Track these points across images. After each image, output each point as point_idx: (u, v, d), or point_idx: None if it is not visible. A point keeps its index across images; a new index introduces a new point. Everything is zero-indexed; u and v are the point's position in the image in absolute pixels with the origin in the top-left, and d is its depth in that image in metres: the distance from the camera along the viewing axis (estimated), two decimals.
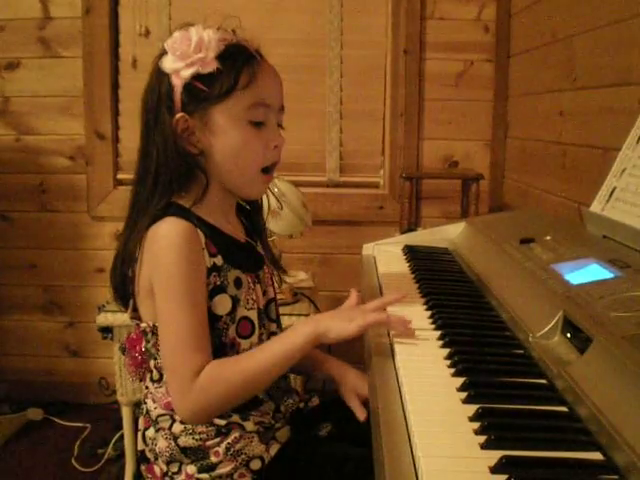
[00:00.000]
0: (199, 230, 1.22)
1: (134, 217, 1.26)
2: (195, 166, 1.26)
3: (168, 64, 1.23)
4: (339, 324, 1.17)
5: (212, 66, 1.22)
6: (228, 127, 1.25)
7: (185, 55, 1.21)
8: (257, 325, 1.30)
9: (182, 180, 1.26)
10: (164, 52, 1.25)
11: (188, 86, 1.23)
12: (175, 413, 1.25)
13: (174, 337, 1.17)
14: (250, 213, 1.46)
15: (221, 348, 1.25)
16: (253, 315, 1.29)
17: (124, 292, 1.30)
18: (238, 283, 1.27)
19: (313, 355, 1.43)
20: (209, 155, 1.26)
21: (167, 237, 1.19)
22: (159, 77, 1.25)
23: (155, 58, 1.28)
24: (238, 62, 1.24)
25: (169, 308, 1.17)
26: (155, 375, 1.28)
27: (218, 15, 1.31)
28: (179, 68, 1.22)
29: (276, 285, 1.48)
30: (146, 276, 1.22)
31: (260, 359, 1.19)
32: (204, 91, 1.23)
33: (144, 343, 1.29)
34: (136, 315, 1.29)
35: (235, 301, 1.26)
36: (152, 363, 1.28)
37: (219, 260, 1.24)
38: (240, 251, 1.34)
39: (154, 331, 1.24)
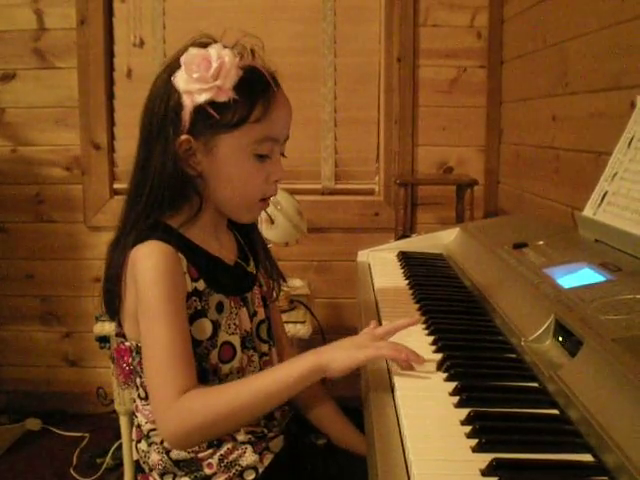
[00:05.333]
0: (181, 254, 1.19)
1: (125, 232, 1.23)
2: (191, 188, 1.23)
3: (182, 83, 1.17)
4: (344, 353, 1.09)
5: (228, 95, 1.16)
6: (232, 157, 1.21)
7: (202, 79, 1.16)
8: (239, 350, 1.27)
9: (175, 200, 1.23)
10: (177, 65, 1.19)
11: (199, 108, 1.17)
12: None
13: (156, 358, 1.14)
14: (245, 229, 1.43)
15: (203, 374, 1.22)
16: (235, 340, 1.27)
17: (112, 307, 1.28)
18: (220, 308, 1.25)
19: (338, 425, 1.43)
20: (207, 179, 1.23)
21: (147, 260, 1.16)
22: (169, 90, 1.19)
23: (166, 67, 1.23)
24: (254, 93, 1.20)
25: (150, 329, 1.15)
26: (142, 393, 1.27)
27: (237, 32, 1.26)
28: (193, 90, 1.16)
29: (274, 295, 1.48)
30: (129, 297, 1.20)
31: (251, 389, 1.12)
32: (214, 118, 1.17)
33: (130, 359, 1.27)
34: (121, 332, 1.28)
35: (216, 326, 1.24)
36: (138, 381, 1.27)
37: (201, 285, 1.22)
38: (226, 274, 1.31)
39: (138, 350, 1.22)
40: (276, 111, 1.22)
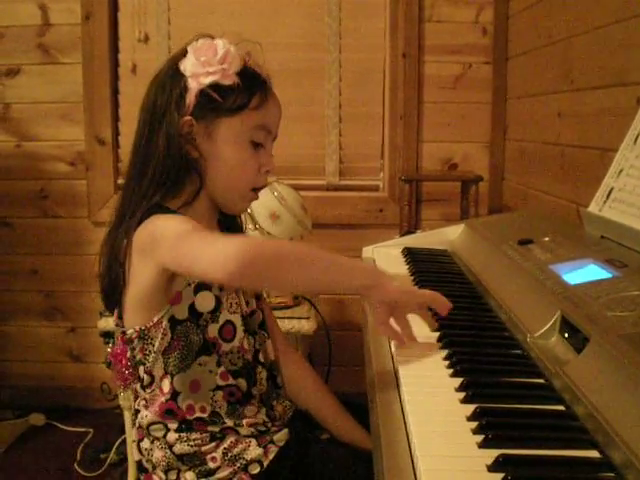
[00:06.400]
0: None
1: (126, 216, 1.27)
2: (192, 169, 1.27)
3: (189, 67, 1.25)
4: (401, 283, 1.13)
5: (231, 80, 1.25)
6: (230, 142, 1.28)
7: (209, 63, 1.24)
8: (240, 329, 1.30)
9: (176, 182, 1.27)
10: (184, 53, 1.27)
11: (203, 92, 1.25)
12: (168, 421, 1.27)
13: (185, 230, 1.14)
14: (233, 227, 1.47)
15: (205, 346, 1.26)
16: (236, 319, 1.30)
17: (113, 297, 1.31)
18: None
19: (340, 421, 1.44)
20: (205, 163, 1.28)
21: (159, 220, 1.20)
22: (174, 76, 1.27)
23: (172, 57, 1.31)
24: (254, 84, 1.29)
25: (169, 226, 1.17)
26: (146, 380, 1.29)
27: (235, 36, 1.32)
28: (200, 73, 1.24)
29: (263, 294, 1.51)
30: (137, 276, 1.23)
31: (319, 251, 1.13)
32: (217, 101, 1.25)
33: (129, 354, 1.29)
34: (121, 322, 1.30)
35: (218, 301, 1.27)
36: (141, 369, 1.29)
37: None
38: None
39: (140, 335, 1.25)
40: (271, 104, 1.32)
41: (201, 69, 1.24)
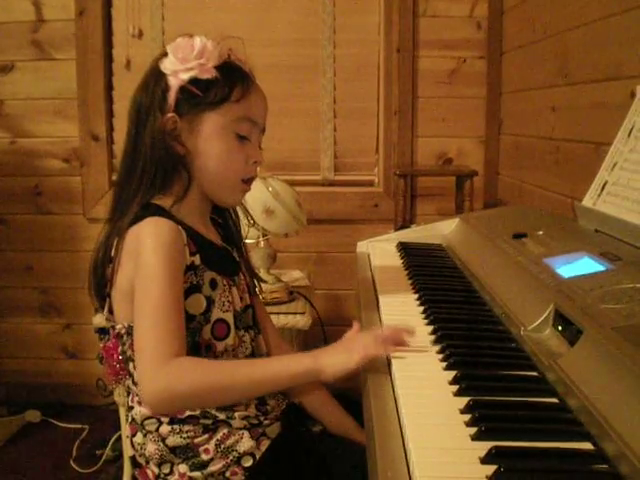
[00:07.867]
0: (181, 227, 1.24)
1: (117, 216, 1.28)
2: (180, 165, 1.29)
3: (168, 65, 1.27)
4: (339, 359, 1.13)
5: (210, 74, 1.26)
6: (214, 135, 1.29)
7: (186, 59, 1.26)
8: (233, 327, 1.30)
9: (165, 180, 1.28)
10: (164, 54, 1.30)
11: (184, 89, 1.27)
12: (162, 415, 1.26)
13: (150, 317, 1.14)
14: (227, 220, 1.48)
15: (196, 348, 1.24)
16: (229, 317, 1.29)
17: (102, 293, 1.31)
18: (213, 284, 1.27)
19: (332, 413, 1.45)
20: (192, 158, 1.29)
21: (152, 237, 1.19)
22: (156, 77, 1.29)
23: (154, 59, 1.33)
24: (234, 77, 1.30)
25: (147, 290, 1.16)
26: (137, 377, 1.27)
27: (218, 34, 1.34)
28: (178, 70, 1.26)
29: (257, 290, 1.51)
30: (125, 277, 1.22)
31: (244, 373, 1.17)
32: (198, 96, 1.27)
33: (120, 348, 1.29)
34: (111, 317, 1.30)
35: (210, 302, 1.26)
36: (131, 366, 1.27)
37: (197, 259, 1.25)
38: (217, 254, 1.35)
39: (129, 332, 1.23)
40: (254, 96, 1.33)
41: (180, 66, 1.26)
